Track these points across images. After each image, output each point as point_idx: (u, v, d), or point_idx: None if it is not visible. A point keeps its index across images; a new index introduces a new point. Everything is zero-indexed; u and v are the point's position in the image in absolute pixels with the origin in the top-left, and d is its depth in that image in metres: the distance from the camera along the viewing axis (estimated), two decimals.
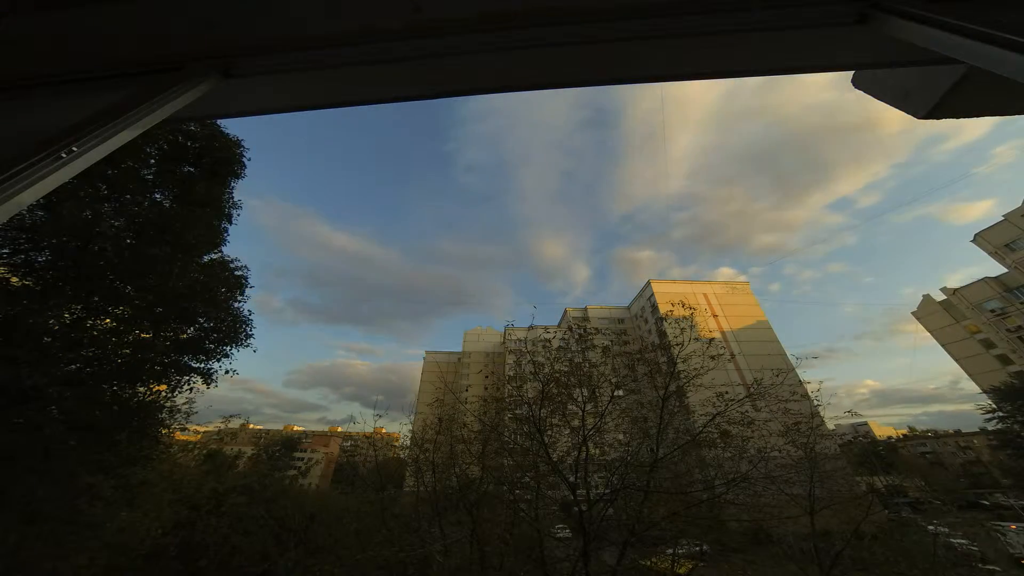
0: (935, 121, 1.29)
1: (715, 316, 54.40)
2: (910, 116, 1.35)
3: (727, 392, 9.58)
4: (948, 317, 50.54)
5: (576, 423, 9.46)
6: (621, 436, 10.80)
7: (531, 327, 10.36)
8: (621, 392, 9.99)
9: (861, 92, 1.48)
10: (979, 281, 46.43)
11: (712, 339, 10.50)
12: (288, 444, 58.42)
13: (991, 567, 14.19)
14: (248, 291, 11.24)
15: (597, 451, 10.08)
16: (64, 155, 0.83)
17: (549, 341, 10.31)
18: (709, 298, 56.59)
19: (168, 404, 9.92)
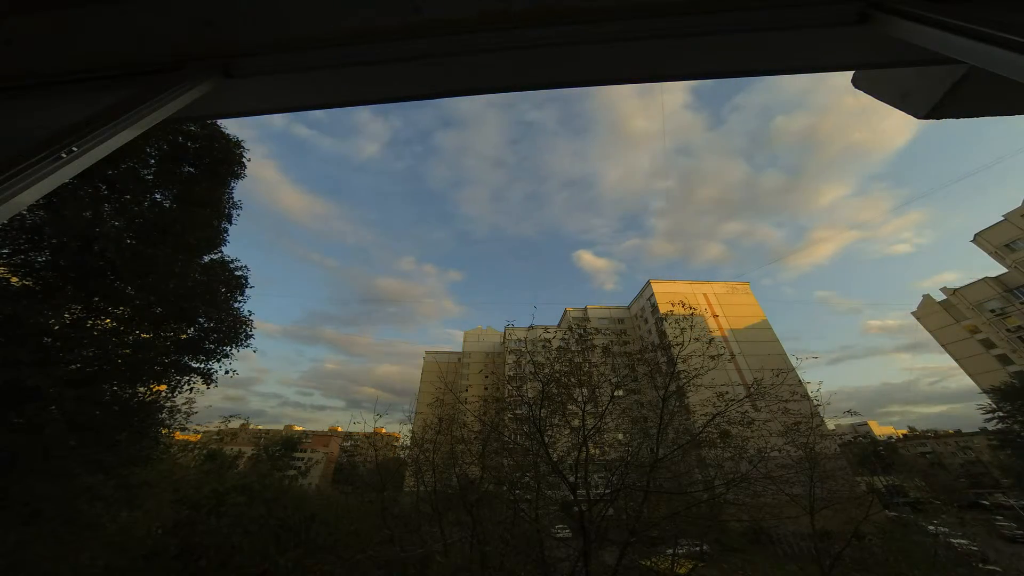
0: (935, 121, 1.29)
1: (715, 316, 54.42)
2: (910, 117, 1.35)
3: (727, 392, 9.59)
4: (948, 317, 50.55)
5: (576, 423, 9.46)
6: (621, 436, 10.80)
7: (531, 327, 10.36)
8: (621, 392, 9.99)
9: (862, 93, 1.48)
10: (979, 281, 46.43)
11: (712, 339, 10.48)
12: (288, 444, 58.35)
13: (991, 567, 14.18)
14: (248, 291, 11.26)
15: (597, 451, 10.08)
16: (64, 155, 0.83)
17: (549, 341, 10.31)
18: (709, 298, 56.60)
19: (168, 404, 9.93)
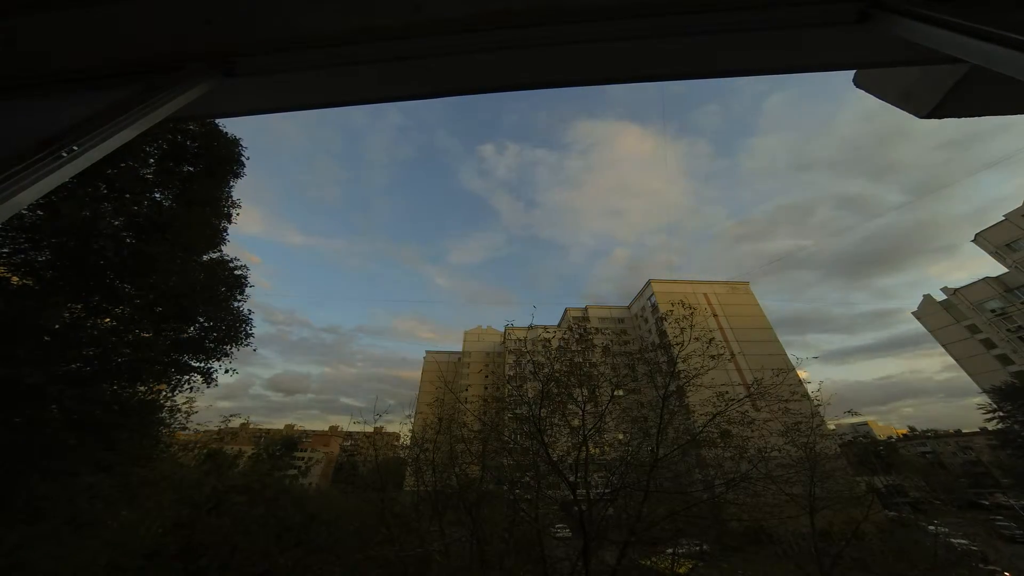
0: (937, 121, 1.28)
1: (715, 316, 54.39)
2: (912, 117, 1.35)
3: (727, 392, 9.58)
4: (948, 317, 50.53)
5: (576, 423, 9.46)
6: (621, 436, 10.80)
7: (531, 327, 10.36)
8: (621, 392, 9.99)
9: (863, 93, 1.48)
10: (979, 281, 46.43)
11: (712, 338, 10.47)
12: (288, 444, 58.33)
13: (991, 567, 14.18)
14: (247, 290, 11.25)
15: (597, 451, 10.08)
16: (64, 155, 0.83)
17: (549, 341, 10.31)
18: (709, 298, 56.57)
19: (168, 403, 9.93)
